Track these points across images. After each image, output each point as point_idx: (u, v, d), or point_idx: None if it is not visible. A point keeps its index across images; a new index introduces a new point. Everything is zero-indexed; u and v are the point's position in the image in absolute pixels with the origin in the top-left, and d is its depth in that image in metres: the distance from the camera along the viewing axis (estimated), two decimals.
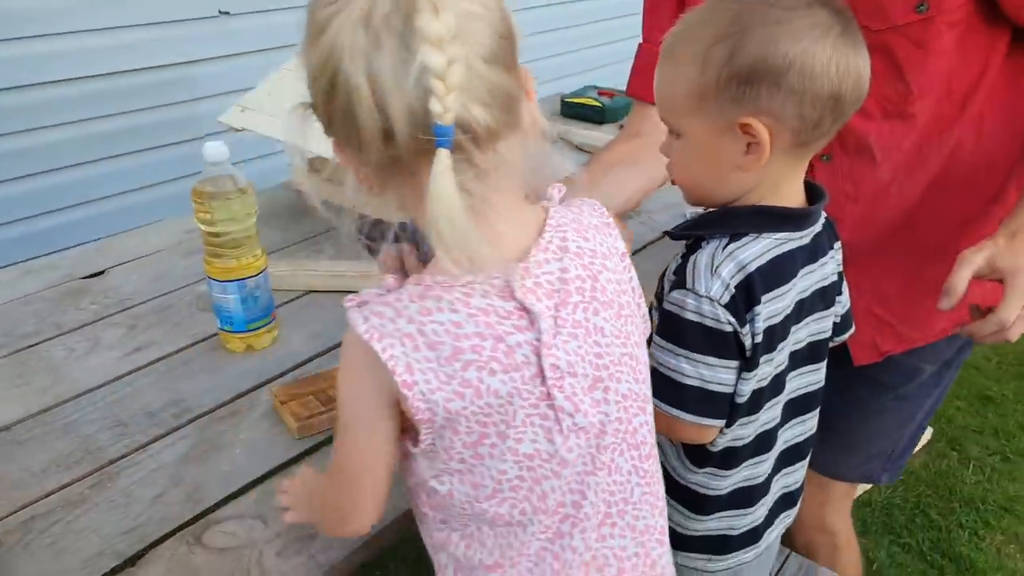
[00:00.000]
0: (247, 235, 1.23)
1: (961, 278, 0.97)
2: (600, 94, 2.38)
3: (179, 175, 2.70)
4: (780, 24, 0.80)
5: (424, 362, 0.67)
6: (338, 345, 1.30)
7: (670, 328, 0.88)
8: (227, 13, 2.72)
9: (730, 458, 0.94)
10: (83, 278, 1.49)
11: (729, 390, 0.88)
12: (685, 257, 0.89)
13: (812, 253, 0.91)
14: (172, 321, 1.36)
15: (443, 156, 0.61)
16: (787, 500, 1.05)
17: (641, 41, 1.39)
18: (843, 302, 1.01)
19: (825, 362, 1.01)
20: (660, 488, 0.84)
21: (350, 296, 0.73)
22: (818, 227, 0.92)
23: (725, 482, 0.95)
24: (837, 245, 0.99)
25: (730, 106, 0.82)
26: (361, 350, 0.68)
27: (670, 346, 0.88)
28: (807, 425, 1.02)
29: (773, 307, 0.86)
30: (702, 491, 0.95)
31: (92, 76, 2.43)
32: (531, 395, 0.71)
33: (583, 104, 2.34)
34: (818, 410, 1.03)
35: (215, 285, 1.23)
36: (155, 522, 0.96)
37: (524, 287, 0.70)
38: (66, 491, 1.01)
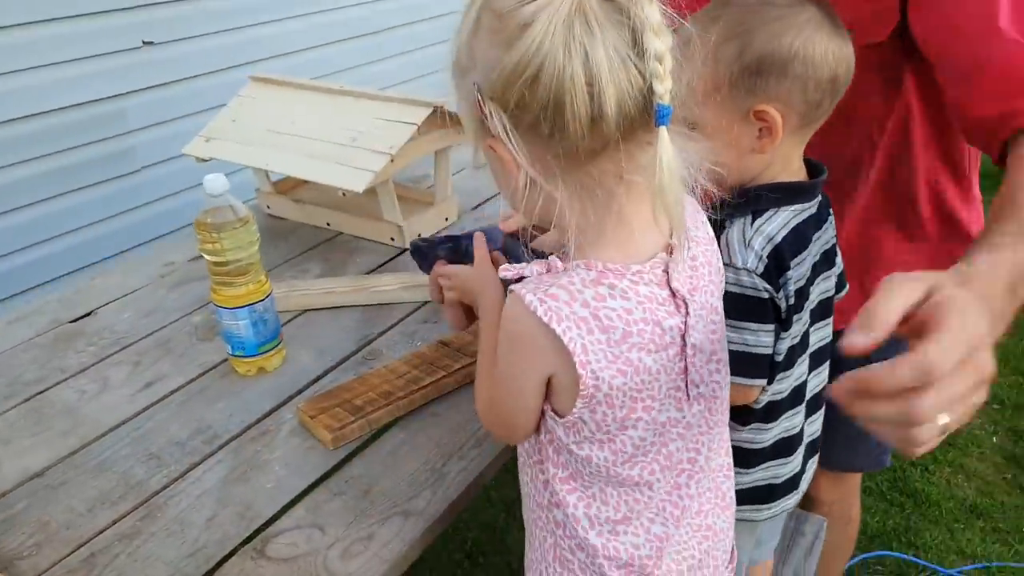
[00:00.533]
0: (251, 262, 1.26)
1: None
2: None
3: (119, 211, 2.68)
4: (780, 21, 0.91)
5: (596, 344, 0.73)
6: (346, 359, 1.34)
7: None
8: (151, 43, 2.70)
9: (771, 412, 1.04)
10: (71, 321, 1.48)
11: (769, 351, 0.97)
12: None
13: (818, 220, 1.02)
14: (176, 353, 1.37)
15: (664, 132, 0.68)
16: (813, 447, 1.16)
17: None
18: (839, 263, 1.12)
19: (832, 318, 1.11)
20: (727, 431, 0.93)
21: (504, 267, 0.80)
22: (820, 197, 1.02)
23: (768, 435, 1.05)
24: (831, 211, 1.09)
25: (744, 97, 0.92)
26: (540, 331, 0.73)
27: None
28: (822, 376, 1.13)
29: (799, 271, 0.97)
30: (747, 446, 1.05)
31: (22, 117, 2.38)
32: (672, 370, 0.79)
33: None
34: (829, 362, 1.13)
35: (224, 313, 1.26)
36: (215, 543, 0.99)
37: (674, 276, 0.77)
38: (118, 526, 1.02)
